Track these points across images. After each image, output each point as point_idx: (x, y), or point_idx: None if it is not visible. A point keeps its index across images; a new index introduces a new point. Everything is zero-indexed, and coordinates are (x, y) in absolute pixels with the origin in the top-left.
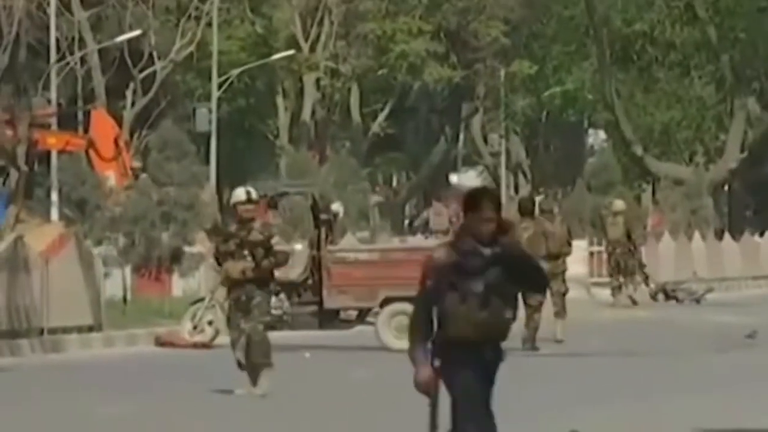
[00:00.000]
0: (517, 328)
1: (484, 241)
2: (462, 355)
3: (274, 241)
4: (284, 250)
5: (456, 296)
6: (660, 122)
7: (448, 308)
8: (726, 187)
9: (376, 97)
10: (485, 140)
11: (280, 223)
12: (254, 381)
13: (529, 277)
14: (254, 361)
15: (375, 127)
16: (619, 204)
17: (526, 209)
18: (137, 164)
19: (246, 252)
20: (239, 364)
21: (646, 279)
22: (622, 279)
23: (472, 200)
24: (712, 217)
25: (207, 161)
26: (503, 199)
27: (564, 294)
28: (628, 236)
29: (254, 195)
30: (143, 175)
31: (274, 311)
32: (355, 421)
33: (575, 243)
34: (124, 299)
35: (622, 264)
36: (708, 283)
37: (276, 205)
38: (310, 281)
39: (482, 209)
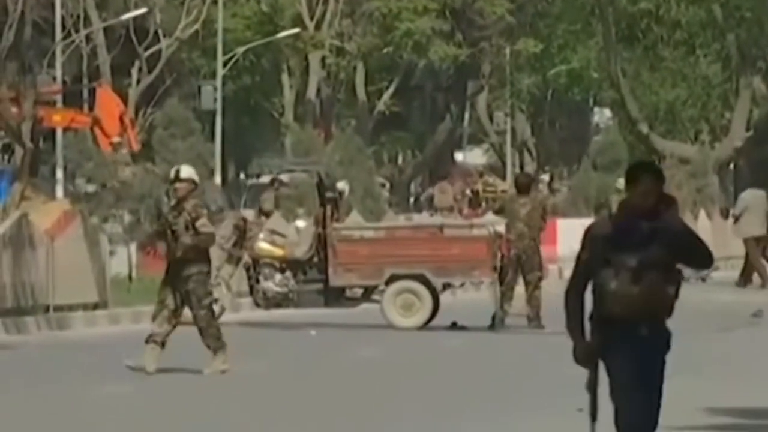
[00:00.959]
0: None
1: (643, 215)
2: (616, 333)
3: (199, 222)
4: (210, 231)
5: (610, 271)
6: (665, 101)
7: (601, 283)
8: (731, 166)
9: (382, 76)
10: (491, 118)
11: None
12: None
13: (692, 252)
14: (208, 345)
15: (380, 106)
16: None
17: (522, 186)
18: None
19: (175, 230)
20: (149, 337)
21: None
22: None
23: (631, 174)
24: (718, 196)
25: (212, 139)
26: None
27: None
28: None
29: (183, 174)
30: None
31: (279, 289)
32: (361, 399)
33: (582, 221)
34: (130, 277)
35: None
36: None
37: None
38: (315, 259)
39: (640, 182)
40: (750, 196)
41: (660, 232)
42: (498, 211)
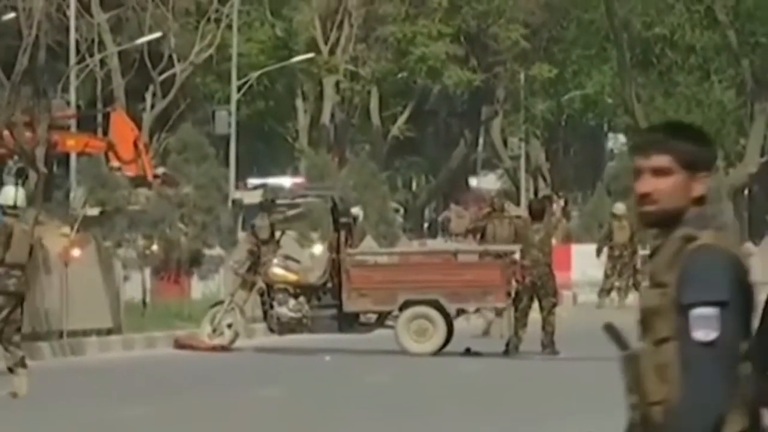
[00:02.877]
0: (535, 332)
1: None
2: None
3: None
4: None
5: None
6: None
7: None
8: (746, 192)
9: (396, 101)
10: (505, 144)
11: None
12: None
13: None
14: (7, 366)
15: (394, 131)
16: (620, 207)
17: (536, 212)
18: (161, 170)
19: None
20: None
21: (636, 284)
22: (617, 283)
23: None
24: (732, 222)
25: (226, 164)
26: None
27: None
28: (631, 239)
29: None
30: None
31: (293, 314)
32: (375, 425)
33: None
34: (144, 302)
35: (619, 267)
36: None
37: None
38: (329, 284)
39: None
40: None
41: None
42: (473, 230)
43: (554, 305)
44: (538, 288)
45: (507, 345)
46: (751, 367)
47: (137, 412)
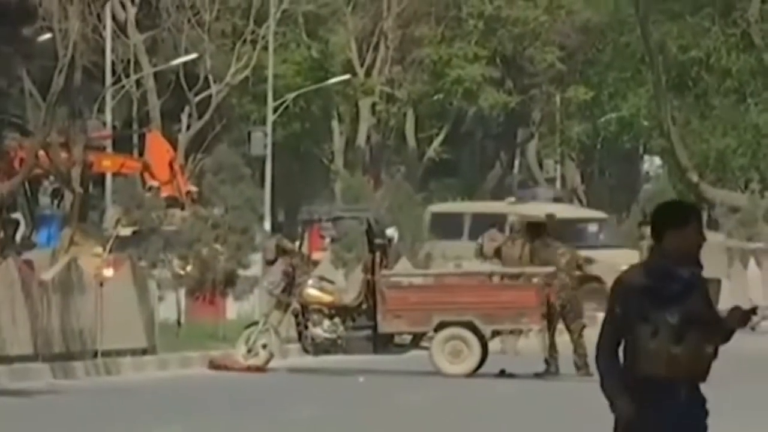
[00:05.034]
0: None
1: (685, 262)
2: (650, 396)
3: None
4: None
5: (647, 328)
6: (715, 149)
7: (636, 342)
8: None
9: (432, 122)
10: (540, 166)
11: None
12: None
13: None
14: None
15: (430, 152)
16: (648, 230)
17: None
18: (194, 188)
19: None
20: None
21: None
22: None
23: (678, 215)
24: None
25: (262, 185)
26: None
27: None
28: None
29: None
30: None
31: (328, 335)
32: None
33: None
34: (178, 322)
35: None
36: (763, 311)
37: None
38: (364, 305)
39: (693, 224)
40: None
41: (699, 281)
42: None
43: (583, 327)
44: (566, 311)
45: (547, 363)
46: None
47: (173, 431)
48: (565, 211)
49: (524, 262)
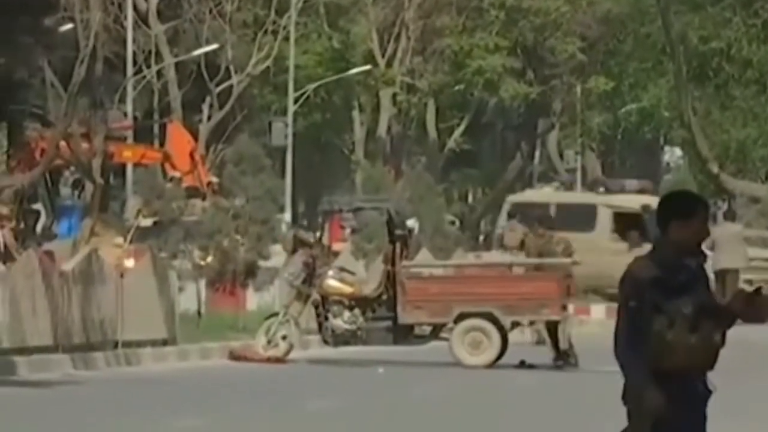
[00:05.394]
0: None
1: (692, 253)
2: (669, 388)
3: None
4: None
5: (663, 319)
6: (736, 140)
7: (653, 334)
8: None
9: (453, 113)
10: (561, 157)
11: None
12: None
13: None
14: None
15: (451, 143)
16: None
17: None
18: (214, 179)
19: None
20: None
21: None
22: None
23: (684, 206)
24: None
25: (282, 175)
26: None
27: None
28: None
29: None
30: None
31: (348, 326)
32: None
33: None
34: (199, 313)
35: None
36: None
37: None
38: (384, 296)
39: (697, 216)
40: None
41: (704, 271)
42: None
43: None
44: None
45: (561, 357)
46: None
47: (191, 424)
48: (655, 203)
49: (544, 254)
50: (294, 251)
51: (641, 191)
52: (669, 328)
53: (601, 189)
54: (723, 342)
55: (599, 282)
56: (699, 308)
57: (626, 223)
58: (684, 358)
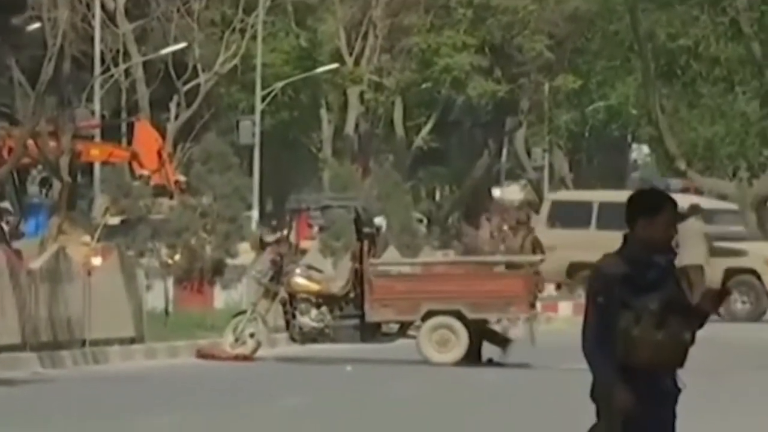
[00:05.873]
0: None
1: (660, 250)
2: (636, 384)
3: None
4: None
5: (630, 316)
6: (704, 137)
7: (620, 330)
8: None
9: (420, 111)
10: (528, 154)
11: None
12: None
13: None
14: None
15: (418, 141)
16: None
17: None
18: (182, 178)
19: None
20: None
21: None
22: None
23: (650, 203)
24: (756, 233)
25: (250, 174)
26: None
27: None
28: None
29: None
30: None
31: (315, 324)
32: None
33: None
34: (166, 311)
35: None
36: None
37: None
38: (352, 294)
39: (664, 212)
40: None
41: (674, 269)
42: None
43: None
44: None
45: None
46: None
47: (158, 422)
48: (702, 202)
49: (526, 251)
50: (263, 248)
51: (685, 190)
52: (635, 324)
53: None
54: (692, 340)
55: None
56: (666, 305)
57: None
58: (650, 354)
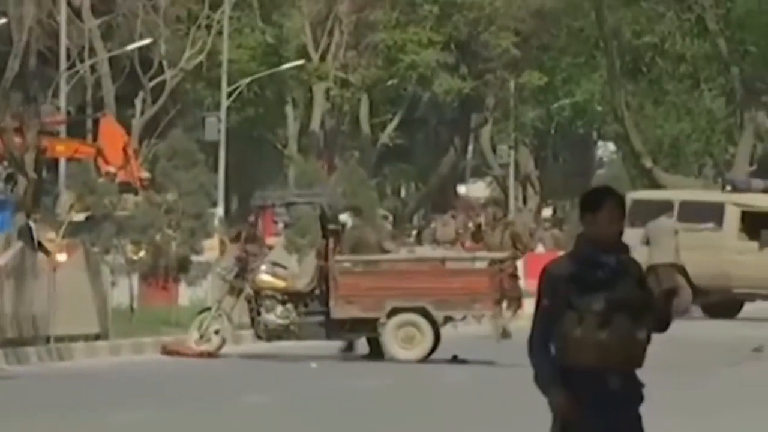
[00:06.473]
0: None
1: (607, 247)
2: (580, 386)
3: None
4: None
5: (573, 316)
6: (669, 134)
7: (563, 331)
8: None
9: (386, 108)
10: (494, 151)
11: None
12: None
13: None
14: None
15: (384, 138)
16: None
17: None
18: (146, 174)
19: None
20: None
21: None
22: None
23: (593, 200)
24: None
25: (216, 170)
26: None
27: None
28: None
29: None
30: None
31: (281, 321)
32: None
33: None
34: (131, 308)
35: None
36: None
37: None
38: (317, 291)
39: (605, 208)
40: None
41: (629, 267)
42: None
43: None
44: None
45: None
46: None
47: (123, 419)
48: None
49: (506, 246)
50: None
51: (767, 190)
52: (578, 325)
53: (728, 187)
54: (648, 339)
55: (724, 281)
56: (613, 305)
57: (755, 222)
58: (594, 355)
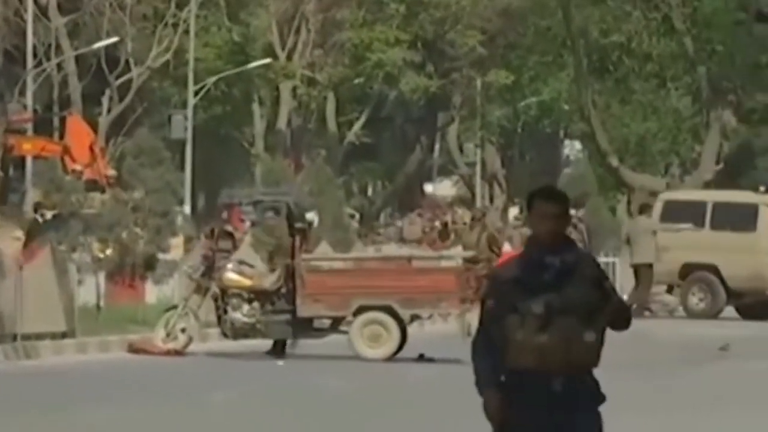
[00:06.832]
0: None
1: (550, 247)
2: (526, 388)
3: None
4: None
5: (515, 319)
6: (636, 133)
7: (505, 334)
8: None
9: (352, 106)
10: (461, 150)
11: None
12: None
13: (608, 304)
14: None
15: (351, 136)
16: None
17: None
18: (112, 172)
19: None
20: None
21: None
22: None
23: (527, 199)
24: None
25: (182, 168)
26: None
27: None
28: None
29: None
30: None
31: (247, 319)
32: (328, 431)
33: None
34: (98, 306)
35: None
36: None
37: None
38: (283, 290)
39: (534, 207)
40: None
41: (576, 268)
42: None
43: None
44: None
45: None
46: None
47: (90, 417)
48: None
49: (482, 247)
50: (211, 232)
51: None
52: (520, 327)
53: (762, 188)
54: (602, 340)
55: (758, 283)
56: (557, 307)
57: None
58: (534, 358)
